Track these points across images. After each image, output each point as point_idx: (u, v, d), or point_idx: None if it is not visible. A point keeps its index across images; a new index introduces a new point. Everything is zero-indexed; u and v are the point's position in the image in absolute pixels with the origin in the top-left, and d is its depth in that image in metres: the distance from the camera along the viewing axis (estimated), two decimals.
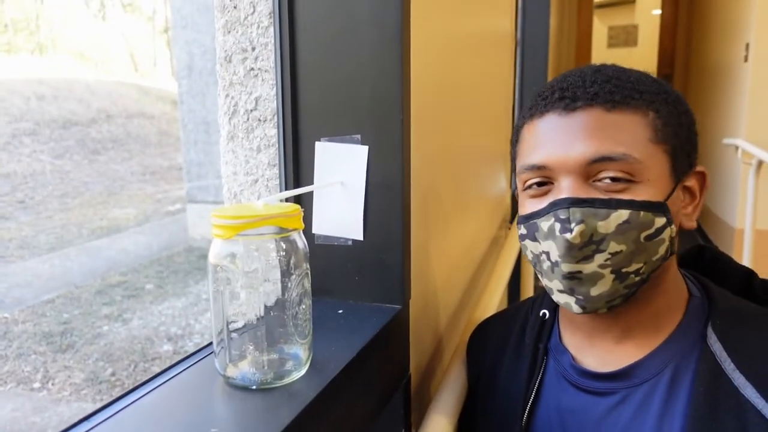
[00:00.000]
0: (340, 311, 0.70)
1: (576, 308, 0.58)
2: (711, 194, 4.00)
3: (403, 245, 0.71)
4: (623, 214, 0.55)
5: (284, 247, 0.50)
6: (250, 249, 0.49)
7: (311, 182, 0.73)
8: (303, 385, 0.51)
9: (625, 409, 0.59)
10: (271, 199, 0.54)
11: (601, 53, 6.25)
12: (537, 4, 2.86)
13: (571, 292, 0.58)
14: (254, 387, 0.51)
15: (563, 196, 0.57)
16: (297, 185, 0.74)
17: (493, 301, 1.06)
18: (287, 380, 0.51)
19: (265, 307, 0.51)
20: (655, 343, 0.60)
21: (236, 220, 0.47)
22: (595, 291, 0.56)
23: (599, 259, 0.55)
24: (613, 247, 0.55)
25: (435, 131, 0.90)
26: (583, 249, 0.55)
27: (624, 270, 0.56)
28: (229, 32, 0.75)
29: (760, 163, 2.83)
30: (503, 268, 1.25)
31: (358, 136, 0.70)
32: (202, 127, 6.15)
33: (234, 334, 0.51)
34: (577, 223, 0.55)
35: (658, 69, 5.33)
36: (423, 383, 0.86)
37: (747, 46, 3.24)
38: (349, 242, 0.72)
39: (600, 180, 0.56)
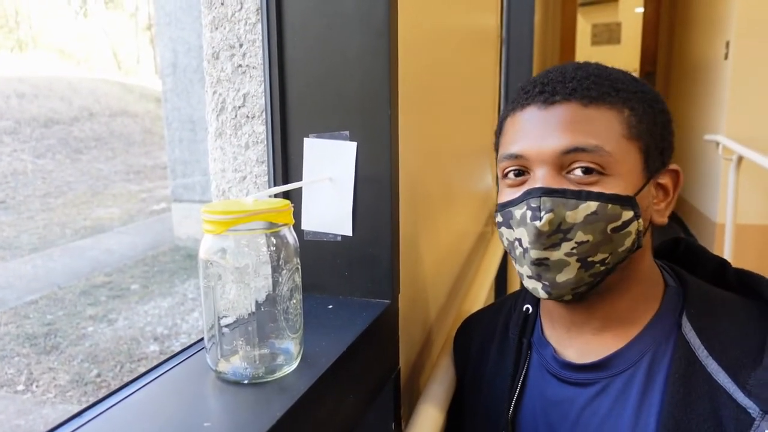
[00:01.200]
0: (330, 306, 0.71)
1: (542, 293, 0.61)
2: (692, 189, 4.06)
3: (392, 240, 0.71)
4: (592, 206, 0.57)
5: (274, 242, 0.51)
6: (240, 244, 0.50)
7: (300, 179, 0.73)
8: (294, 380, 0.52)
9: (605, 399, 0.61)
10: (260, 195, 0.54)
11: (585, 51, 6.31)
12: (521, 2, 2.88)
13: (538, 277, 0.60)
14: (246, 382, 0.51)
15: (537, 185, 0.59)
16: (286, 182, 0.74)
17: (480, 294, 1.07)
18: (278, 375, 0.52)
19: (256, 302, 0.51)
20: (632, 333, 0.62)
21: (226, 216, 0.47)
22: (560, 278, 0.59)
23: (566, 247, 0.58)
24: (580, 236, 0.57)
25: (422, 127, 0.90)
26: (551, 237, 0.58)
27: (589, 259, 0.58)
28: (217, 29, 0.75)
29: (741, 158, 2.88)
30: (490, 263, 1.26)
31: (347, 133, 0.70)
32: (186, 125, 6.10)
33: (225, 330, 0.51)
34: (547, 212, 0.57)
35: (640, 66, 5.39)
36: (412, 377, 0.87)
37: (727, 44, 3.30)
38: (338, 238, 0.73)
39: (573, 171, 0.58)
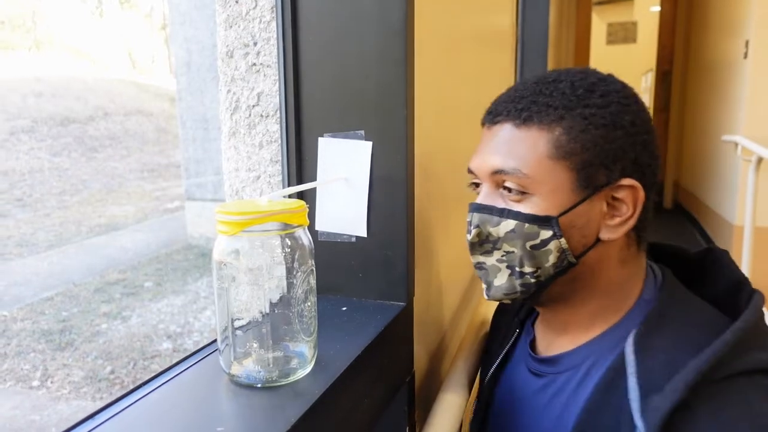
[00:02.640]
0: (344, 308, 0.70)
1: (485, 294, 0.67)
2: (709, 191, 4.00)
3: (408, 242, 0.70)
4: (510, 224, 0.61)
5: (289, 243, 0.50)
6: (254, 245, 0.49)
7: (314, 179, 0.72)
8: (308, 384, 0.51)
9: (547, 393, 0.66)
10: (275, 196, 0.53)
11: (600, 50, 6.25)
12: (536, 1, 2.85)
13: (481, 279, 0.67)
14: (259, 385, 0.50)
15: (476, 200, 0.65)
16: (300, 182, 0.73)
17: None
18: (292, 378, 0.51)
19: (270, 304, 0.50)
20: (584, 339, 0.65)
21: (241, 217, 0.47)
22: (496, 282, 0.65)
23: (497, 254, 0.63)
24: (506, 247, 0.62)
25: (438, 126, 0.89)
26: (483, 245, 0.64)
27: (518, 269, 0.62)
28: (231, 27, 0.75)
29: (760, 159, 2.82)
30: None
31: (362, 132, 0.69)
32: (200, 124, 6.13)
33: (239, 332, 0.50)
34: (474, 226, 0.64)
35: (657, 65, 5.32)
36: (427, 380, 0.85)
37: (747, 42, 3.24)
38: (353, 239, 0.72)
39: (504, 189, 0.63)
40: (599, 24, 6.32)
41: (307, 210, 0.51)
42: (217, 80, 0.81)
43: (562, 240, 0.60)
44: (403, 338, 0.72)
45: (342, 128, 0.70)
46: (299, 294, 0.50)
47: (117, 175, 8.87)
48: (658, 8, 5.33)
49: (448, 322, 0.99)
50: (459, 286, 1.09)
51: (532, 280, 0.62)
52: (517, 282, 0.63)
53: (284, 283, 0.50)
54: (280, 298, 0.51)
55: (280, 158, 0.75)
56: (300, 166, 0.73)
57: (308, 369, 0.52)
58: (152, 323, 4.06)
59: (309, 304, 0.52)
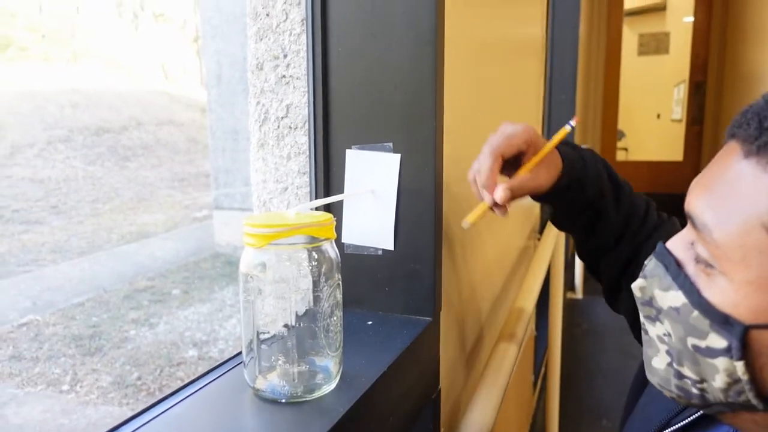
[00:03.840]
0: (370, 322, 0.69)
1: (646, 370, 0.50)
2: None
3: (435, 256, 0.69)
4: (677, 298, 0.42)
5: (316, 257, 0.49)
6: (281, 258, 0.48)
7: (341, 191, 0.72)
8: (333, 400, 0.50)
9: None
10: (302, 208, 0.53)
11: (632, 61, 6.16)
12: (567, 11, 2.82)
13: (642, 345, 0.50)
14: (284, 400, 0.49)
15: (669, 240, 0.47)
16: (327, 194, 0.73)
17: (523, 317, 1.03)
18: (317, 394, 0.50)
19: (296, 317, 0.50)
20: None
21: (268, 229, 0.46)
22: (654, 362, 0.47)
23: (659, 327, 0.45)
24: (666, 326, 0.44)
25: (467, 137, 0.88)
26: (646, 306, 0.47)
27: (676, 366, 0.44)
28: (261, 39, 0.75)
29: None
30: (533, 280, 1.22)
31: (390, 144, 0.69)
32: (230, 135, 6.23)
33: (264, 345, 0.50)
34: (643, 277, 0.47)
35: (690, 76, 5.21)
36: (453, 398, 0.84)
37: None
38: (379, 252, 0.71)
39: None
40: (630, 35, 6.23)
41: (335, 223, 0.51)
42: (247, 92, 0.81)
43: (739, 364, 0.39)
44: (429, 354, 0.71)
45: (370, 140, 0.70)
46: (325, 308, 0.50)
47: (148, 183, 9.06)
48: (691, 18, 5.23)
49: (475, 338, 0.97)
50: (486, 300, 1.07)
51: (695, 390, 0.43)
52: (674, 381, 0.45)
53: (310, 296, 0.50)
54: (306, 311, 0.50)
55: (307, 170, 0.75)
56: (327, 178, 0.73)
57: (333, 385, 0.52)
58: (179, 331, 4.11)
59: (335, 318, 0.51)
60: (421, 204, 0.68)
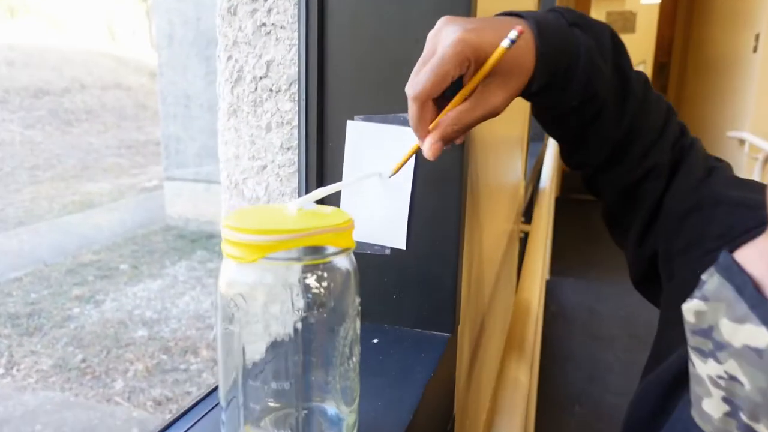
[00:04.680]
0: (375, 341, 0.55)
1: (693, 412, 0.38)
2: None
3: (457, 257, 0.55)
4: (761, 335, 0.31)
5: (326, 276, 0.34)
6: (278, 277, 0.33)
7: (339, 172, 0.57)
8: None
9: None
10: (305, 201, 0.37)
11: None
12: None
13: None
14: None
15: (742, 248, 0.36)
16: (321, 176, 0.58)
17: (531, 312, 0.91)
18: None
19: (298, 357, 0.35)
20: None
21: (264, 237, 0.31)
22: (704, 404, 0.36)
23: (714, 367, 0.34)
24: (733, 369, 0.33)
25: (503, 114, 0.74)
26: (698, 336, 0.36)
27: (749, 420, 0.32)
28: None
29: None
30: (534, 272, 1.10)
31: (405, 116, 0.54)
32: (181, 101, 5.86)
33: (251, 382, 0.35)
34: (702, 298, 0.35)
35: (654, 57, 5.22)
36: (465, 426, 0.71)
37: (757, 36, 3.13)
38: (387, 251, 0.56)
39: None
40: (598, 13, 6.18)
41: (354, 227, 0.36)
42: (201, 55, 0.65)
43: None
44: (447, 378, 0.58)
45: (378, 109, 0.55)
46: (341, 348, 0.35)
47: (93, 150, 8.53)
48: None
49: (477, 341, 0.85)
50: (486, 297, 0.95)
51: None
52: None
53: (318, 328, 0.35)
54: (312, 349, 0.35)
55: (293, 145, 0.59)
56: (321, 155, 0.58)
57: None
58: (127, 308, 3.87)
59: (354, 360, 0.36)
60: (445, 191, 0.54)
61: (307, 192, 0.58)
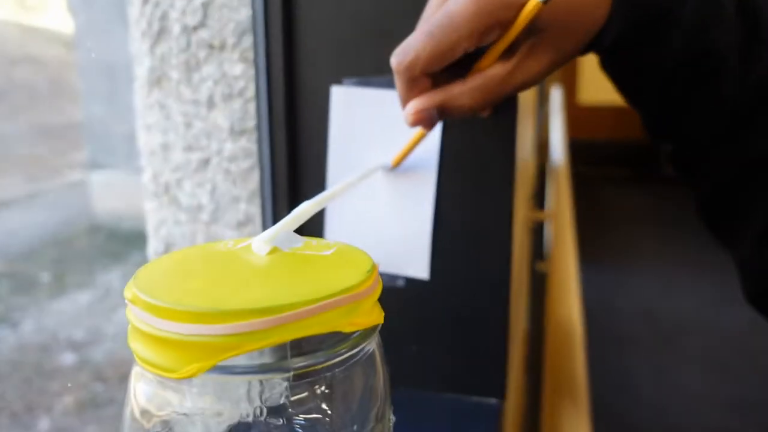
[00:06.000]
0: (393, 419, 0.41)
1: None
2: None
3: (506, 287, 0.42)
4: None
5: (335, 384, 0.21)
6: (245, 398, 0.19)
7: (320, 165, 0.43)
8: None
9: None
10: (282, 231, 0.24)
11: None
12: None
13: None
14: None
15: None
16: (292, 173, 0.44)
17: (575, 340, 0.79)
18: None
19: None
20: None
21: (215, 328, 0.17)
22: None
23: None
24: None
25: None
26: None
27: None
28: None
29: None
30: (570, 285, 0.98)
31: None
32: (105, 74, 5.60)
33: None
34: None
35: None
36: None
37: None
38: (400, 282, 0.43)
39: None
40: None
41: (380, 282, 0.22)
42: (126, 18, 0.53)
43: None
44: None
45: (379, 67, 0.41)
46: None
47: (1, 137, 8.17)
48: None
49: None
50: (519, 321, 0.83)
51: None
52: None
53: None
54: None
55: (249, 127, 0.46)
56: (293, 139, 0.44)
57: None
58: (51, 329, 3.66)
59: None
60: (486, 191, 0.41)
61: (274, 196, 0.45)
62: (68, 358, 3.34)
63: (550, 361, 0.76)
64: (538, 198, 1.66)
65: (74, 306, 3.98)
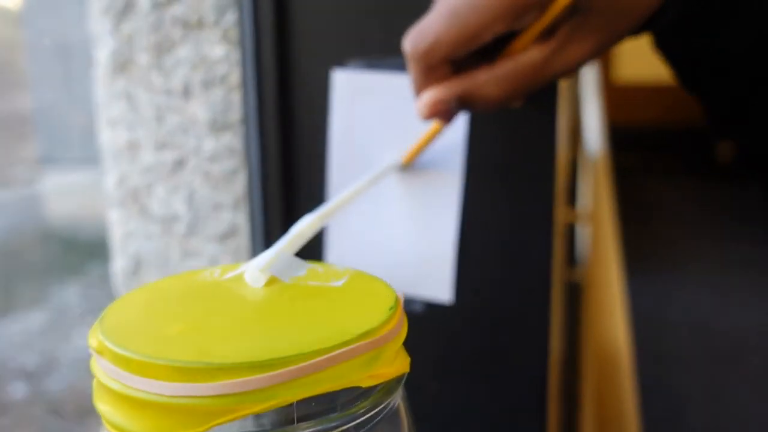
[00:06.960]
0: None
1: None
2: None
3: (545, 313, 0.42)
4: None
5: None
6: None
7: (318, 165, 0.43)
8: None
9: None
10: (280, 256, 0.23)
11: None
12: None
13: None
14: None
15: None
16: (286, 173, 0.44)
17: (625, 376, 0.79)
18: None
19: None
20: None
21: (207, 387, 0.16)
22: None
23: None
24: None
25: None
26: None
27: None
28: None
29: None
30: (615, 304, 0.98)
31: None
32: (59, 55, 5.65)
33: None
34: None
35: None
36: None
37: None
38: (417, 307, 0.43)
39: None
40: None
41: (406, 321, 0.22)
42: None
43: None
44: None
45: (390, 49, 0.41)
46: None
47: None
48: None
49: None
50: None
51: None
52: None
53: None
54: None
55: (234, 121, 0.46)
56: (287, 134, 0.44)
57: None
58: None
59: None
60: (523, 196, 0.41)
61: (265, 203, 0.45)
62: (19, 389, 3.35)
63: (590, 392, 0.76)
64: (569, 195, 1.66)
65: (25, 328, 3.99)
